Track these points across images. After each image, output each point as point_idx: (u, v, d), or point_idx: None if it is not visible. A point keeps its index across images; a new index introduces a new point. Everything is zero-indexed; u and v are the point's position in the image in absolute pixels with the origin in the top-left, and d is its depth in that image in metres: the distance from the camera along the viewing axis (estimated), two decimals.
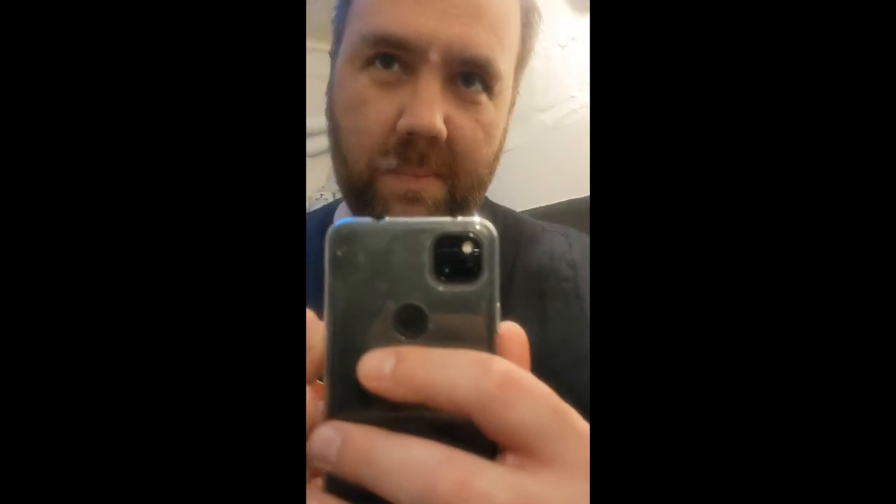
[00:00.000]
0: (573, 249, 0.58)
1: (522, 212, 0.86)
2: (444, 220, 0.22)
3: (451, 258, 0.22)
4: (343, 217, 0.59)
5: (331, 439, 0.20)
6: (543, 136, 1.26)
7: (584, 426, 0.21)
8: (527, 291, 0.55)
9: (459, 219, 0.22)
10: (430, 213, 0.46)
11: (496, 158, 0.52)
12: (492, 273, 0.22)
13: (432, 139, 0.44)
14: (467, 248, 0.22)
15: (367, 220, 0.22)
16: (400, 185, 0.46)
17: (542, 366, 0.23)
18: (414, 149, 0.45)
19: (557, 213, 1.13)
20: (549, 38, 1.24)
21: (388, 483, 0.19)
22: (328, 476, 0.22)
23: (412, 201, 0.46)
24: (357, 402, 0.21)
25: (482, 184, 0.50)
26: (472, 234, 0.22)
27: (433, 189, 0.46)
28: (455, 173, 0.47)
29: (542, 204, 1.19)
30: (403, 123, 0.44)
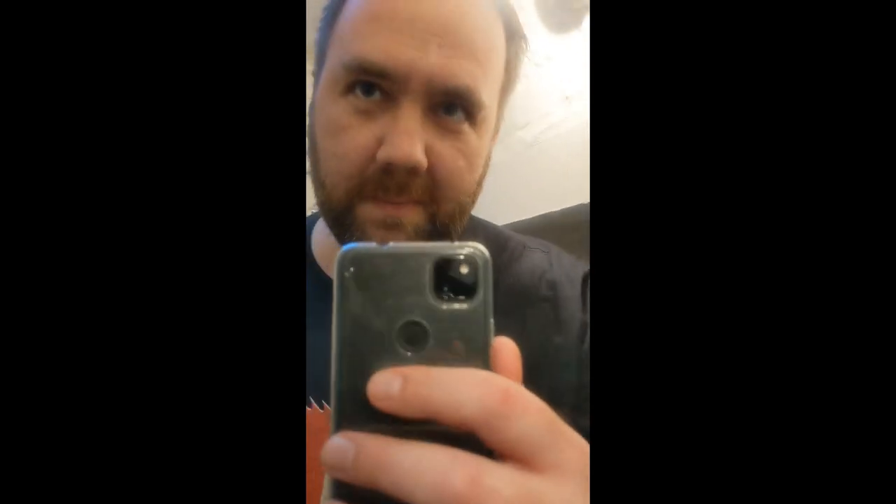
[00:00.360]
0: (553, 268, 0.58)
1: (503, 226, 0.88)
2: (444, 245, 0.24)
3: (450, 279, 0.24)
4: (321, 233, 0.59)
5: (345, 448, 0.22)
6: (522, 152, 1.28)
7: (574, 435, 0.23)
8: (506, 309, 0.54)
9: (457, 243, 0.24)
10: (411, 240, 0.46)
11: (479, 185, 0.51)
12: (486, 292, 0.24)
13: (412, 169, 0.44)
14: (464, 270, 0.24)
15: (372, 244, 0.24)
16: (380, 212, 0.46)
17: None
18: (393, 178, 0.45)
19: (535, 228, 1.15)
20: (526, 58, 1.27)
21: (404, 485, 0.21)
22: (335, 483, 0.23)
23: (392, 227, 0.46)
24: (364, 417, 0.23)
25: (464, 211, 0.50)
26: (468, 258, 0.24)
27: (413, 216, 0.46)
28: (436, 201, 0.47)
29: (521, 218, 1.21)
30: (383, 154, 0.44)
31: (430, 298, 0.24)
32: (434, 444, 0.21)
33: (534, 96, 1.26)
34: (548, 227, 1.15)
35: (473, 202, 0.52)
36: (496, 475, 0.20)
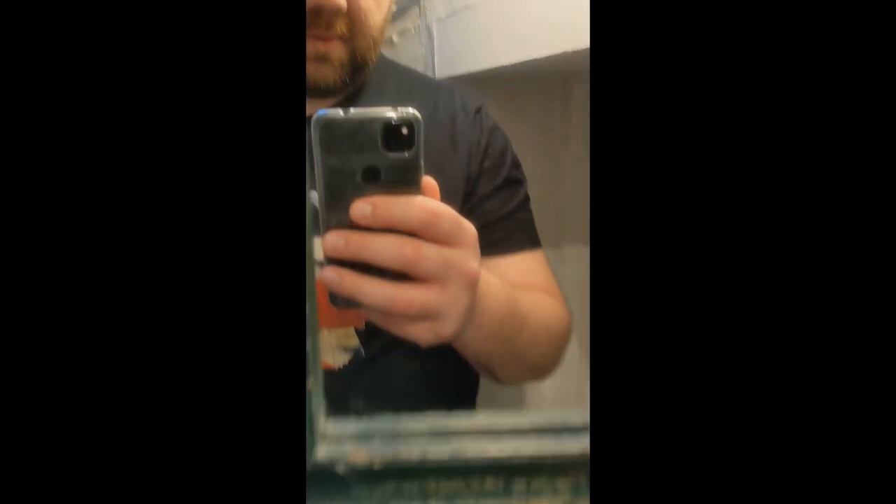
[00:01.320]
0: (454, 101, 0.71)
1: (483, 71, 0.86)
2: (389, 110, 0.35)
3: (395, 136, 0.35)
4: None
5: (337, 238, 0.36)
6: None
7: (468, 225, 0.39)
8: None
9: (399, 109, 0.34)
10: (336, 71, 0.60)
11: (385, 22, 0.65)
12: (419, 145, 0.35)
13: (336, 9, 0.56)
14: (404, 131, 0.35)
15: (338, 110, 0.34)
16: (311, 48, 0.58)
17: None
18: (322, 17, 0.56)
19: (515, 74, 1.11)
20: None
21: (377, 255, 0.36)
22: (329, 258, 0.37)
23: (322, 61, 0.59)
24: (344, 228, 0.37)
25: (376, 43, 0.63)
26: (406, 120, 0.35)
27: (337, 50, 0.59)
28: (354, 36, 0.60)
29: (503, 63, 1.18)
30: (312, 0, 0.54)
31: (381, 150, 0.35)
32: (394, 235, 0.36)
33: None
34: (530, 75, 1.11)
35: (381, 37, 0.65)
36: (428, 246, 0.37)
